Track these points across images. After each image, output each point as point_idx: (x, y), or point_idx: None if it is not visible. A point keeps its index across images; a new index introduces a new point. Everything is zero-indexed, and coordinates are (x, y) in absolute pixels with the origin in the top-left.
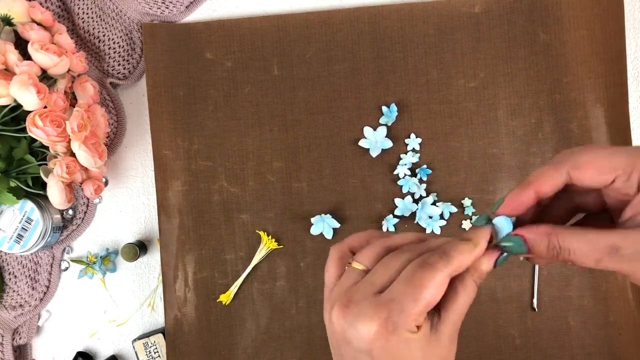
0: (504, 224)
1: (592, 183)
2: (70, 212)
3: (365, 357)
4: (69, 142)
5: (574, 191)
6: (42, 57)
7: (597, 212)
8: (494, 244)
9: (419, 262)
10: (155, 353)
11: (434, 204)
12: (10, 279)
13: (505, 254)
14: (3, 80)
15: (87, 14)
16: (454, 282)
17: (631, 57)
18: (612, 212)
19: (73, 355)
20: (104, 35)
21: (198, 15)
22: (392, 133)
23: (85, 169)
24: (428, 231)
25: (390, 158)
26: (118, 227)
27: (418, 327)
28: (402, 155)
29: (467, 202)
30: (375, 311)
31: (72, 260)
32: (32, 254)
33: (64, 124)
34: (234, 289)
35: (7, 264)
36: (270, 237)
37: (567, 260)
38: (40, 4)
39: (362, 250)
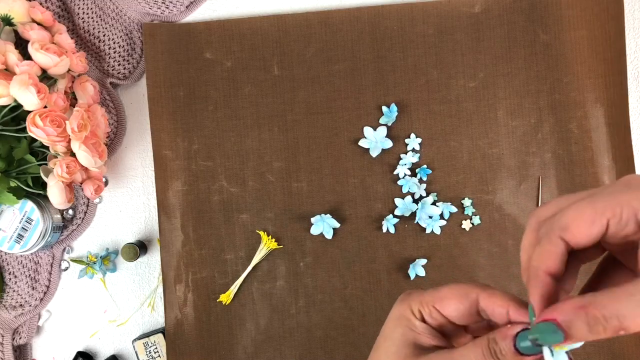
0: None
1: (588, 238)
2: (70, 212)
3: None
4: (69, 142)
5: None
6: (42, 57)
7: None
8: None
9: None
10: (155, 353)
11: (434, 204)
12: (10, 279)
13: (529, 344)
14: (3, 80)
15: (87, 14)
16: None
17: (631, 57)
18: (621, 259)
19: (73, 355)
20: (104, 35)
21: (198, 15)
22: (392, 133)
23: (86, 169)
24: (428, 231)
25: (390, 158)
26: (118, 227)
27: (424, 322)
28: (402, 155)
29: (467, 202)
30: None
31: (72, 260)
32: (32, 253)
33: (64, 124)
34: (234, 289)
35: (7, 264)
36: (270, 237)
37: (617, 332)
38: (40, 4)
39: None
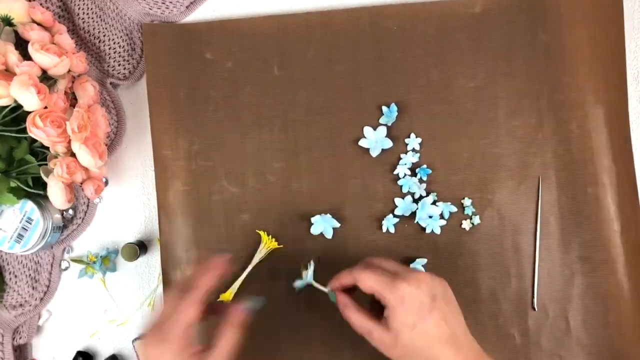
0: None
1: (365, 286)
2: (71, 212)
3: None
4: (69, 142)
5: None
6: (42, 58)
7: None
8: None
9: None
10: None
11: (434, 203)
12: (10, 279)
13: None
14: (3, 80)
15: (87, 14)
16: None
17: (631, 57)
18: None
19: (73, 354)
20: (104, 36)
21: (198, 15)
22: (392, 133)
23: (86, 169)
24: (428, 231)
25: (390, 158)
26: (118, 227)
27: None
28: (402, 155)
29: (467, 201)
30: None
31: (72, 260)
32: (32, 253)
33: (64, 125)
34: (234, 288)
35: (8, 264)
36: (270, 237)
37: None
38: (41, 4)
39: None
